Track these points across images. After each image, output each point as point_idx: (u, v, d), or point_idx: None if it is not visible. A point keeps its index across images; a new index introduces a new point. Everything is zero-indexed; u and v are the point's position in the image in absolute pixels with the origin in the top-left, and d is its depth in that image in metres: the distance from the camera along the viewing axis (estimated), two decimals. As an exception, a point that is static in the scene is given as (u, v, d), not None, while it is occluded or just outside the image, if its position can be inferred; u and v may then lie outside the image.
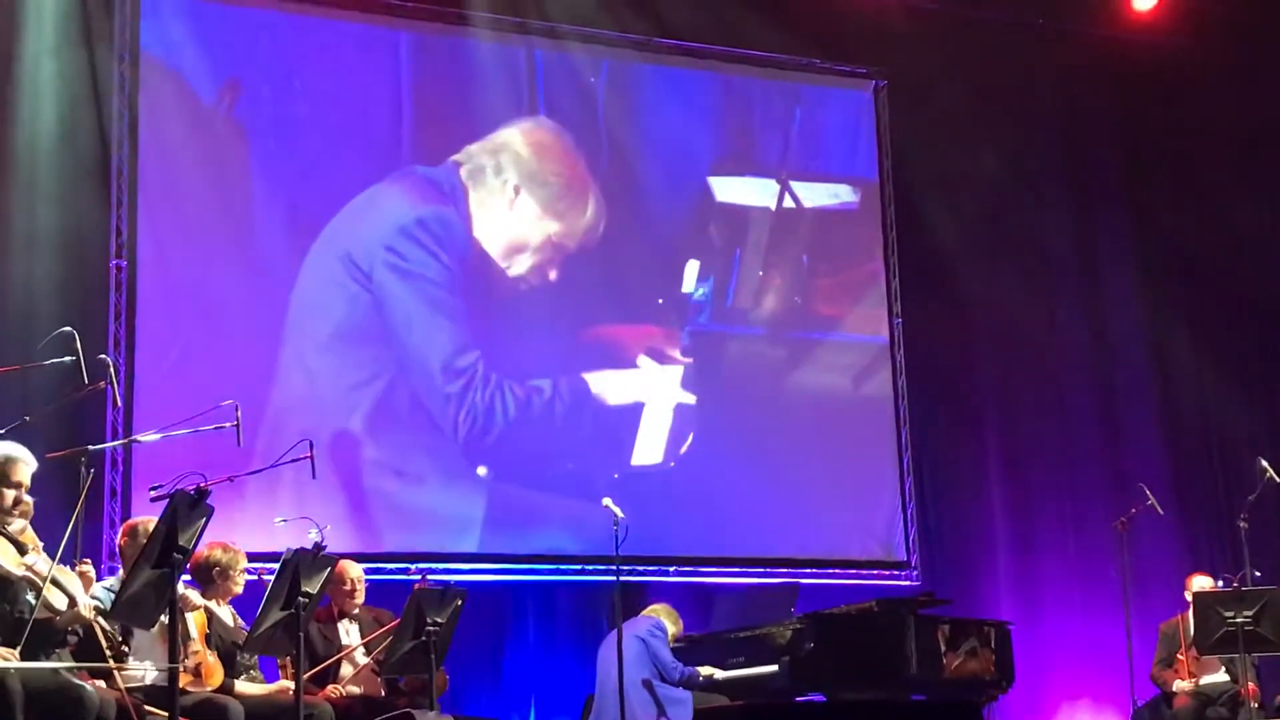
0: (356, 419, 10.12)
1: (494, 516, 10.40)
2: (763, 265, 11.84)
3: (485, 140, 10.99)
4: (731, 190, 11.87)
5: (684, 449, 11.11)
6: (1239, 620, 8.81)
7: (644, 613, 9.27)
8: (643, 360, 11.23)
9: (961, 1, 12.05)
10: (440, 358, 10.50)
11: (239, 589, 7.50)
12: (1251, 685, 9.21)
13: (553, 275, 11.03)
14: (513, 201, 10.99)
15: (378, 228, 10.52)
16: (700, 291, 11.54)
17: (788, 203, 12.03)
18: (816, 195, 12.17)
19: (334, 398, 10.12)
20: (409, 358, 10.42)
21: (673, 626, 9.19)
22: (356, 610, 8.12)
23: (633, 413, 11.08)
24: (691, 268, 11.51)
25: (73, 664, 6.22)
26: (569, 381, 10.89)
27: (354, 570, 8.12)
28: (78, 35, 9.75)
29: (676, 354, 11.32)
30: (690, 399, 11.23)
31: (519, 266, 10.95)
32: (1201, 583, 9.85)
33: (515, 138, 11.13)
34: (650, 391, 11.16)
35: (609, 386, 11.04)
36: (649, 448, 11.08)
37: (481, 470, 10.45)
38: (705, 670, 8.96)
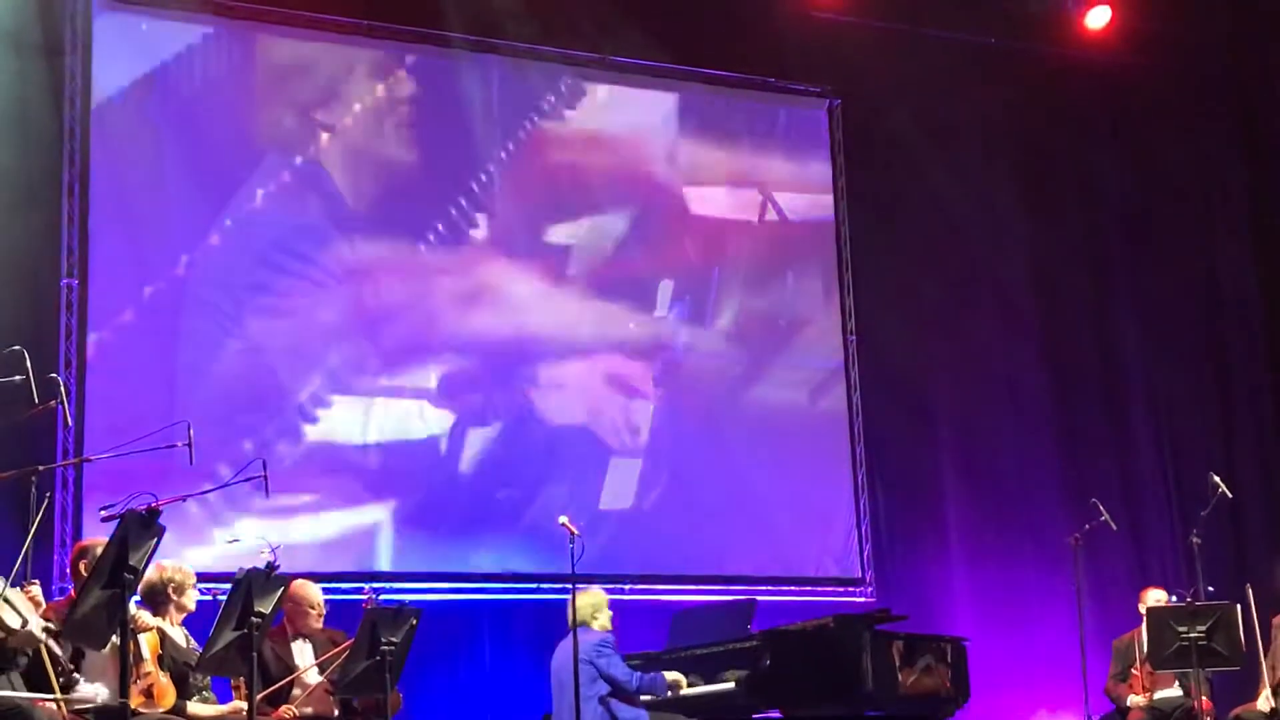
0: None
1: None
2: (743, 284, 11.26)
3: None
4: (708, 201, 11.21)
5: (655, 494, 10.74)
6: (1192, 635, 8.85)
7: (577, 614, 8.54)
8: (608, 403, 10.62)
9: (915, 20, 12.07)
10: (321, 390, 9.91)
11: (192, 607, 7.46)
12: (1205, 700, 9.24)
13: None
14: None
15: (237, 262, 9.87)
16: (674, 315, 10.96)
17: (770, 215, 11.45)
18: (802, 207, 11.57)
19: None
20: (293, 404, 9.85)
21: (603, 615, 8.73)
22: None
23: (588, 439, 10.57)
24: (665, 289, 10.96)
25: (26, 694, 6.17)
26: (507, 397, 10.40)
27: (317, 595, 8.07)
28: (32, 51, 9.65)
29: (649, 388, 10.84)
30: (662, 444, 10.75)
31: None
32: (1155, 597, 9.90)
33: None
34: (615, 441, 10.63)
35: (557, 402, 10.50)
36: (617, 494, 10.63)
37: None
38: (672, 676, 8.72)
